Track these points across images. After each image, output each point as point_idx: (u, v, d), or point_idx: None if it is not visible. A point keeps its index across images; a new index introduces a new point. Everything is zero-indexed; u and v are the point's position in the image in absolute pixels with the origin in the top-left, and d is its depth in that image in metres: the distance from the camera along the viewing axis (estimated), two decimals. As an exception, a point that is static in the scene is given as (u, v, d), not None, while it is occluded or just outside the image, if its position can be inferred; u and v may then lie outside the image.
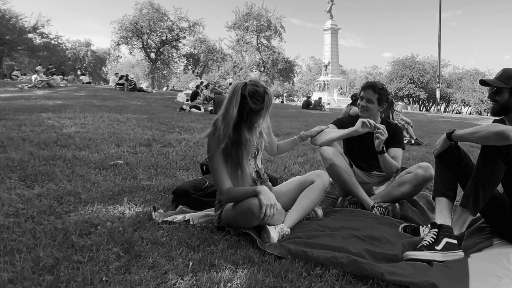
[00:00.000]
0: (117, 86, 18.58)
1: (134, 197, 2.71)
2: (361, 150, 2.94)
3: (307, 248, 1.85)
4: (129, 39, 36.70)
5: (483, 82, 2.16)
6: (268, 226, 2.02)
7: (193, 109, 11.12)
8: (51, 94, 12.76)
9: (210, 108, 11.15)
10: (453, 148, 2.13)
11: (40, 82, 16.10)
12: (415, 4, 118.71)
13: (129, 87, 17.98)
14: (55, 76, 19.52)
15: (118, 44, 37.00)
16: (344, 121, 2.94)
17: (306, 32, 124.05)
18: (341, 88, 32.28)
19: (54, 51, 38.22)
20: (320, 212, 2.44)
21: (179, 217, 2.30)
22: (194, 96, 13.23)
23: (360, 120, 2.62)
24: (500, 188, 2.11)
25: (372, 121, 2.59)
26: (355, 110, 7.10)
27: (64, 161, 3.55)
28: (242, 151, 2.11)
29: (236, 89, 2.06)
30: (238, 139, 2.09)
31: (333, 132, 2.77)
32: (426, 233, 1.97)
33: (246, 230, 2.07)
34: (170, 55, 40.17)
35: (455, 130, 2.08)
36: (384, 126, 2.62)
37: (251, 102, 2.04)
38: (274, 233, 2.00)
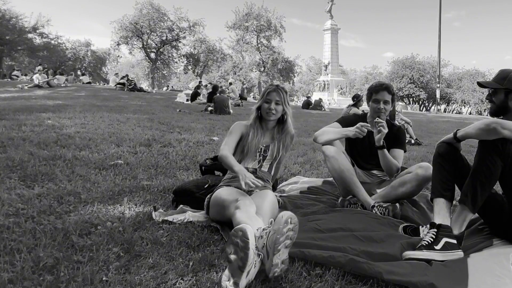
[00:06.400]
0: (117, 86, 18.59)
1: (134, 197, 2.71)
2: (363, 149, 2.95)
3: (304, 247, 1.85)
4: (129, 39, 36.64)
5: (480, 85, 2.19)
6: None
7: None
8: (51, 94, 12.76)
9: (210, 108, 11.15)
10: (452, 149, 2.14)
11: (41, 81, 16.13)
12: (417, 3, 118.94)
13: (129, 87, 17.99)
14: (58, 76, 19.56)
15: (118, 44, 36.94)
16: (348, 120, 2.97)
17: (306, 32, 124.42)
18: (341, 88, 32.28)
19: (54, 51, 38.19)
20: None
21: (180, 217, 2.30)
22: (194, 96, 13.27)
23: (359, 124, 2.65)
24: (500, 189, 2.11)
25: (368, 127, 2.62)
26: (355, 111, 7.12)
27: (64, 161, 3.55)
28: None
29: None
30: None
31: (334, 131, 2.80)
32: (425, 233, 1.98)
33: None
34: (170, 55, 40.09)
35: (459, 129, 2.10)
36: (385, 122, 2.65)
37: None
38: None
